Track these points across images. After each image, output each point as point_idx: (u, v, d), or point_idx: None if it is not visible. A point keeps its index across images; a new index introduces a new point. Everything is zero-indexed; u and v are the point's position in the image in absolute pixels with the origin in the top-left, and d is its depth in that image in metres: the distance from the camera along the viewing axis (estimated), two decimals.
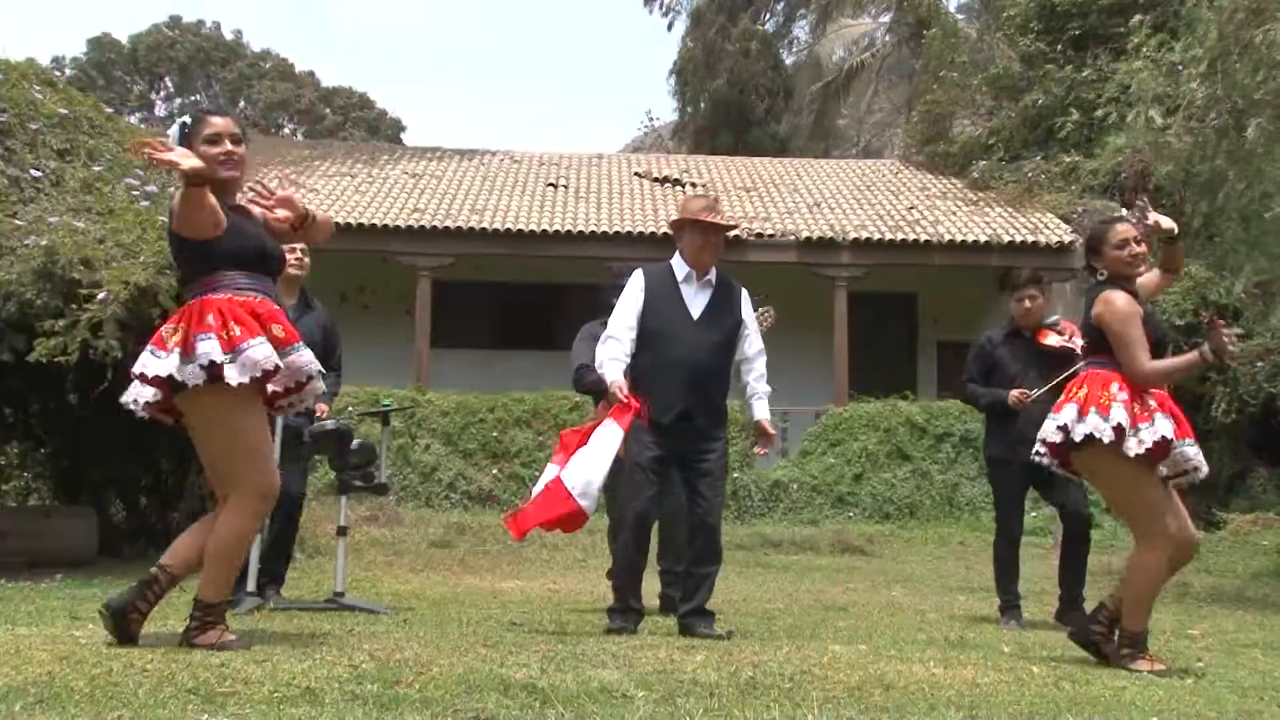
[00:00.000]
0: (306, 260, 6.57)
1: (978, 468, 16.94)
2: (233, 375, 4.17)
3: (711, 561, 5.52)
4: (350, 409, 12.70)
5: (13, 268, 7.61)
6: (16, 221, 7.93)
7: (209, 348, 4.16)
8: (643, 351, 5.53)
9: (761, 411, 5.68)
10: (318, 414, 6.44)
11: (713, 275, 5.71)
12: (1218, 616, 8.04)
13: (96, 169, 8.78)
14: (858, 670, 4.14)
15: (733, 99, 30.97)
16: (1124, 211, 5.40)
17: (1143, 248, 5.09)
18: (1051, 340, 7.08)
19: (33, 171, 8.41)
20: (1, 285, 7.54)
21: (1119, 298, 4.93)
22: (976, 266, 18.97)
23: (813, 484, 16.67)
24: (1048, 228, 19.11)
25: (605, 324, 5.95)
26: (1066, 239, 18.59)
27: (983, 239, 18.64)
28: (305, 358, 4.39)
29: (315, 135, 45.08)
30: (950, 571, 11.99)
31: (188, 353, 4.18)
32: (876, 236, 18.61)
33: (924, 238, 18.63)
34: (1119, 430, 4.70)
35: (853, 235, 18.53)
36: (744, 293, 5.81)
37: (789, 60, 34.57)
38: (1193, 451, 4.87)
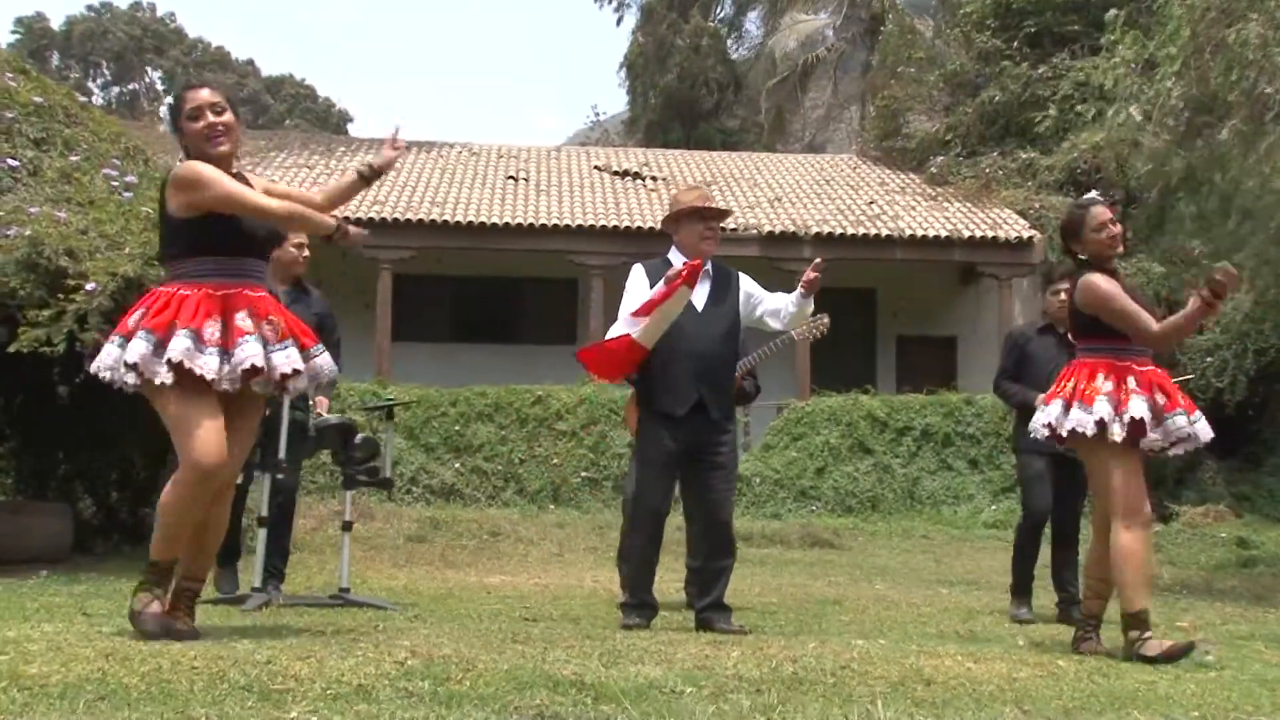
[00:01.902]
0: (305, 254, 6.55)
1: (938, 462, 17.12)
2: (158, 374, 4.17)
3: (726, 555, 5.52)
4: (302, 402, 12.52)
5: None
6: None
7: (140, 347, 4.18)
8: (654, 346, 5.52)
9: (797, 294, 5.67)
10: (315, 408, 6.38)
11: (710, 266, 5.71)
12: (1197, 608, 8.13)
13: (74, 159, 8.62)
14: (894, 665, 4.14)
15: (683, 93, 31.00)
16: (1094, 194, 5.50)
17: (1119, 228, 5.24)
18: None
19: (9, 161, 8.25)
20: None
21: (1096, 278, 5.09)
22: (938, 261, 19.14)
23: (775, 478, 16.72)
24: (1007, 223, 19.29)
25: None
26: (1026, 234, 18.78)
27: (944, 234, 18.80)
28: (246, 352, 4.24)
29: (257, 126, 44.65)
30: (921, 565, 12.07)
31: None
32: (839, 231, 18.71)
33: (885, 232, 18.74)
34: (1100, 424, 4.92)
35: (815, 230, 18.62)
36: (741, 275, 5.83)
37: (739, 55, 34.66)
38: (1183, 420, 5.00)
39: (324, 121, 53.07)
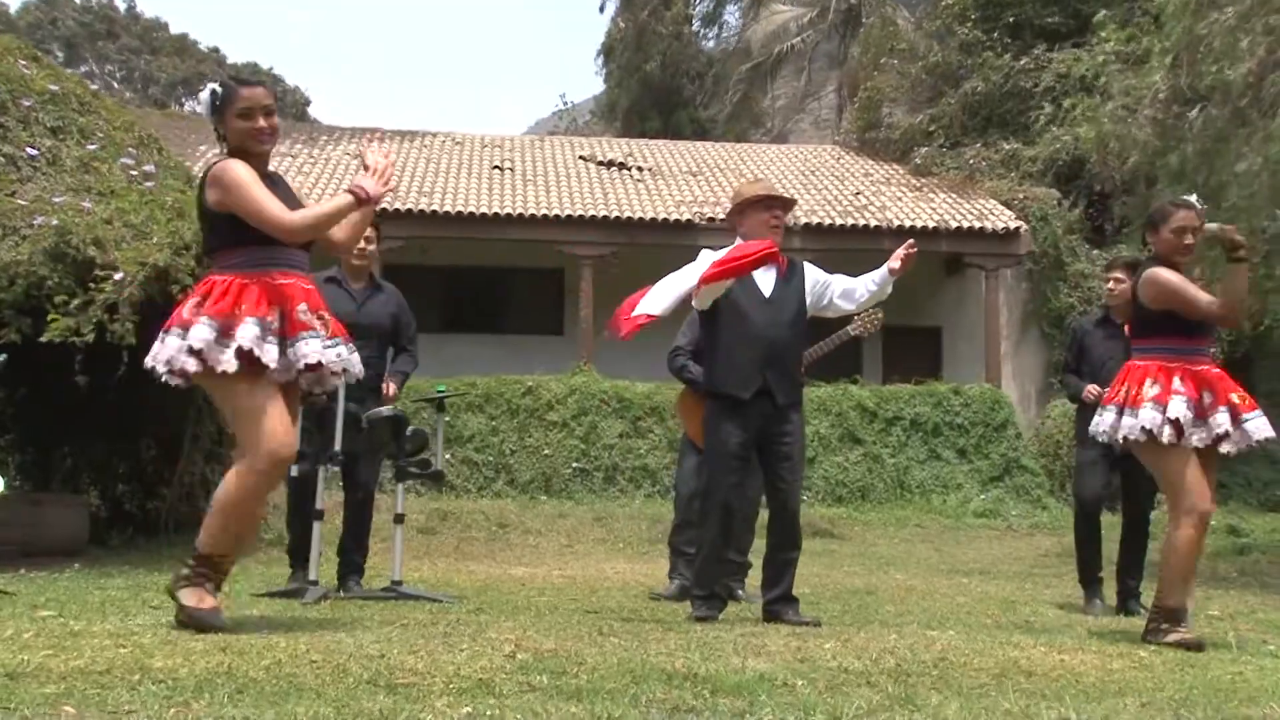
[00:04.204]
0: (371, 248, 6.56)
1: (927, 451, 17.20)
2: (221, 362, 4.17)
3: (793, 546, 5.54)
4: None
5: (19, 248, 7.36)
6: (19, 201, 7.67)
7: (203, 332, 4.17)
8: (720, 331, 5.54)
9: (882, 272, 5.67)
10: (385, 392, 6.41)
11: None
12: (1217, 597, 8.19)
13: (91, 148, 8.52)
14: (988, 657, 4.16)
15: (663, 81, 30.98)
16: (1194, 198, 5.50)
17: (1191, 240, 5.28)
18: None
19: (29, 150, 8.14)
20: (9, 266, 7.28)
21: (1161, 271, 5.21)
22: (925, 252, 19.09)
23: None
24: (993, 214, 19.39)
25: None
26: (1012, 225, 18.90)
27: (931, 224, 18.86)
28: (310, 347, 4.29)
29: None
30: (924, 554, 12.15)
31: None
32: (827, 222, 18.75)
33: (874, 223, 18.79)
34: (1147, 430, 5.06)
35: (803, 220, 18.64)
36: (806, 264, 5.85)
37: (718, 46, 34.71)
38: (1223, 419, 5.10)
39: (280, 108, 52.50)
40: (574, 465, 15.98)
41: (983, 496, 16.67)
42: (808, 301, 5.67)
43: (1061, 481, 17.02)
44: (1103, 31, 14.39)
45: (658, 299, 5.49)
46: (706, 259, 5.57)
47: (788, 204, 5.84)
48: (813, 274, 5.75)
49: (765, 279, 5.59)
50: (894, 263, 5.55)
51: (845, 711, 3.08)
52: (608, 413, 16.43)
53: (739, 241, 5.69)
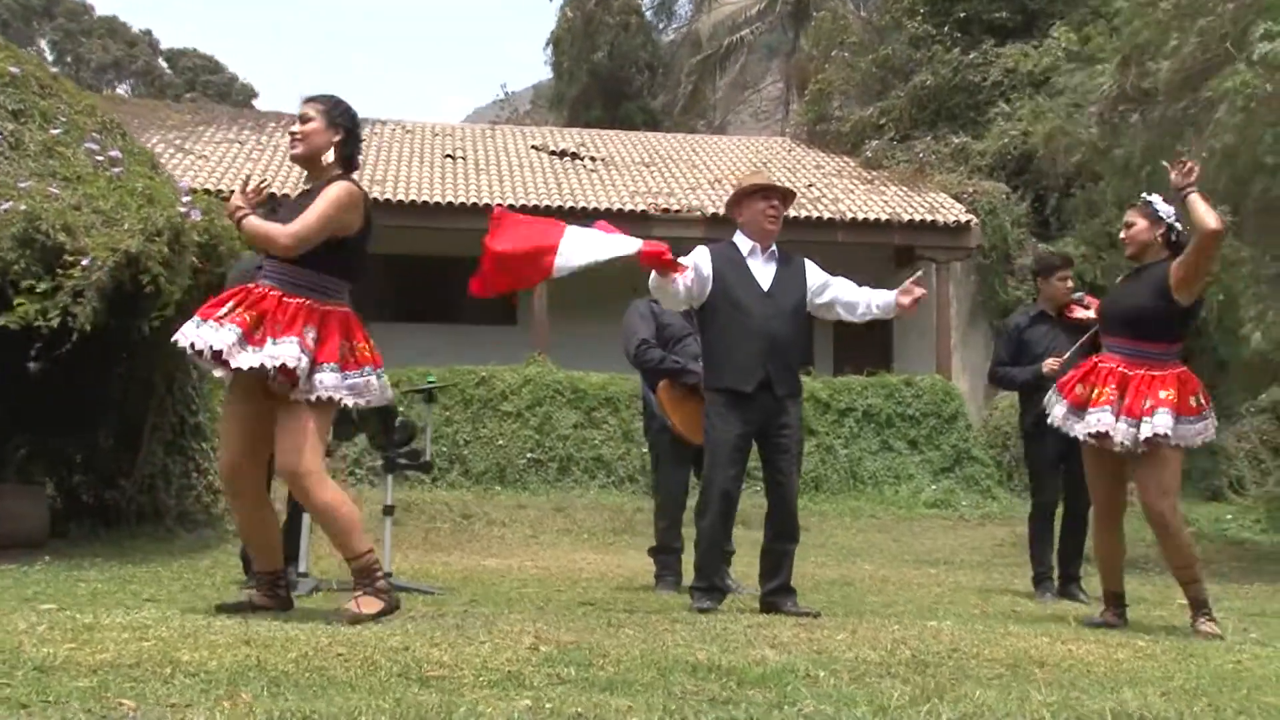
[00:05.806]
0: None
1: (879, 442, 17.31)
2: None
3: (791, 538, 5.57)
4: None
5: None
6: None
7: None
8: (719, 325, 5.55)
9: (889, 294, 5.75)
10: None
11: (775, 249, 5.74)
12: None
13: (55, 132, 8.34)
14: (997, 647, 4.20)
15: (611, 71, 30.90)
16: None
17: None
18: (1079, 314, 7.32)
19: None
20: None
21: None
22: (878, 244, 19.30)
23: None
24: (944, 207, 19.53)
25: (657, 301, 6.22)
26: (963, 218, 19.05)
27: (884, 217, 18.98)
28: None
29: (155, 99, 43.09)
30: (883, 544, 12.24)
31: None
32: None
33: (827, 215, 18.87)
34: None
35: None
36: (807, 260, 5.87)
37: (667, 37, 34.71)
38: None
39: (225, 95, 51.79)
40: (528, 456, 15.91)
41: (934, 487, 16.80)
42: (807, 298, 5.70)
43: (1009, 472, 17.22)
44: (1056, 32, 14.66)
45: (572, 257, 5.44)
46: (700, 253, 5.56)
47: (786, 194, 5.87)
48: (814, 272, 5.78)
49: (764, 273, 5.62)
50: (905, 299, 5.60)
51: (888, 703, 3.08)
52: (562, 403, 16.38)
53: (738, 235, 5.70)
